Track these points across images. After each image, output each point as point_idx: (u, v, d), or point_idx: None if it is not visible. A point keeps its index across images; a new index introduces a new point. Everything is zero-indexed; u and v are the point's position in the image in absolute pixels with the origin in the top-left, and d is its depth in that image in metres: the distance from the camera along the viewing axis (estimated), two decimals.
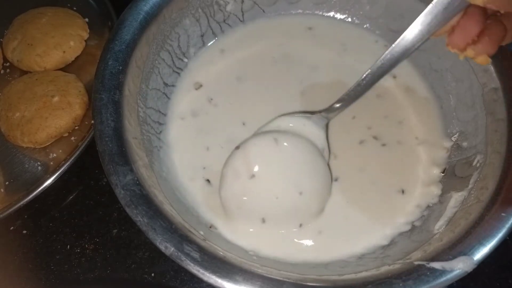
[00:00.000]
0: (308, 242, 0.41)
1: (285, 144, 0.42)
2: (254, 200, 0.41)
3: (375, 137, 0.46)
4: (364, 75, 0.40)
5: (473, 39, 0.31)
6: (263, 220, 0.41)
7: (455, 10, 0.31)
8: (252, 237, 0.41)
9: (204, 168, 0.45)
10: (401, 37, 0.36)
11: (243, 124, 0.47)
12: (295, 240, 0.42)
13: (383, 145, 0.46)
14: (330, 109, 0.44)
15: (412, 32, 0.35)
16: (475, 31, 0.31)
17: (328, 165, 0.44)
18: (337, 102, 0.43)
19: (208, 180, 0.45)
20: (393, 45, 0.36)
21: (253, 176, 0.40)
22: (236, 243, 0.41)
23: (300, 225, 0.41)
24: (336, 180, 0.44)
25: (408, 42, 0.36)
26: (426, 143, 0.47)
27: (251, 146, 0.42)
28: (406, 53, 0.36)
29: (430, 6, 0.32)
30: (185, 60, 0.51)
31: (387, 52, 0.37)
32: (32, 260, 0.47)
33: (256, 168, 0.41)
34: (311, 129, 0.43)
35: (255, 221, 0.41)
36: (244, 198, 0.41)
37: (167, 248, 0.33)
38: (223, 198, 0.42)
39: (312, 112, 0.45)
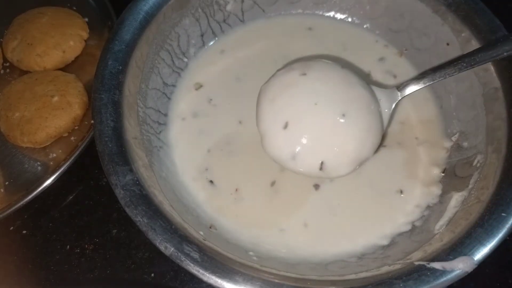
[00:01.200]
0: (307, 240, 0.41)
1: (349, 71, 0.39)
2: (292, 96, 0.38)
3: None
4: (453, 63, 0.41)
5: None
6: (286, 125, 0.37)
7: None
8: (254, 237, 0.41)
9: (207, 169, 0.45)
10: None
11: (243, 125, 0.47)
12: (294, 237, 0.42)
13: (384, 146, 0.46)
14: (404, 86, 0.42)
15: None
16: None
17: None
18: (415, 81, 0.42)
19: (211, 181, 0.45)
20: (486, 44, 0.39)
21: (304, 74, 0.38)
22: (237, 241, 0.41)
23: (321, 165, 0.37)
24: (332, 180, 0.44)
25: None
26: (426, 143, 0.46)
27: (316, 59, 0.40)
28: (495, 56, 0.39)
29: None
30: (185, 60, 0.51)
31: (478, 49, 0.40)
32: (32, 260, 0.47)
33: (310, 70, 0.38)
34: (381, 98, 0.41)
35: (279, 122, 0.37)
36: (285, 89, 0.38)
37: (167, 248, 0.33)
38: (262, 89, 0.40)
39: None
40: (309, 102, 0.37)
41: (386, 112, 0.41)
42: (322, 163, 0.37)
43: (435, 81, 0.42)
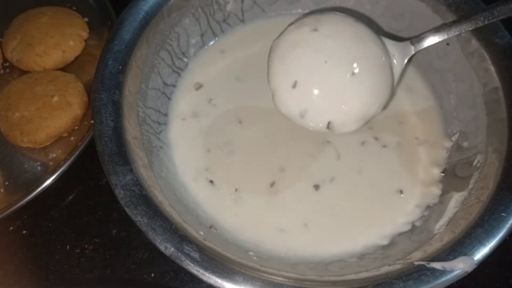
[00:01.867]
0: (307, 240, 0.41)
1: (362, 25, 0.38)
2: (302, 55, 0.37)
3: (376, 138, 0.46)
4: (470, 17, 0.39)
5: None
6: (295, 84, 0.36)
7: None
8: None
9: (207, 169, 0.45)
10: None
11: (243, 125, 0.47)
12: (294, 237, 0.42)
13: (384, 146, 0.46)
14: (419, 40, 0.40)
15: None
16: None
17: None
18: (429, 34, 0.40)
19: (211, 181, 0.45)
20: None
21: (315, 30, 0.37)
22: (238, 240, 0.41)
23: (329, 123, 0.37)
24: (332, 180, 0.44)
25: None
26: (426, 143, 0.46)
27: (328, 12, 0.40)
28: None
29: None
30: (185, 60, 0.51)
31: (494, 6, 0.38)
32: (32, 260, 0.47)
33: (322, 25, 0.37)
34: (393, 52, 0.40)
35: (288, 80, 0.37)
36: (295, 47, 0.37)
37: (167, 248, 0.33)
38: (273, 45, 0.39)
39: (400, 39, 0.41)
40: (319, 60, 0.37)
41: (397, 67, 0.40)
42: (329, 122, 0.37)
43: (450, 35, 0.40)
